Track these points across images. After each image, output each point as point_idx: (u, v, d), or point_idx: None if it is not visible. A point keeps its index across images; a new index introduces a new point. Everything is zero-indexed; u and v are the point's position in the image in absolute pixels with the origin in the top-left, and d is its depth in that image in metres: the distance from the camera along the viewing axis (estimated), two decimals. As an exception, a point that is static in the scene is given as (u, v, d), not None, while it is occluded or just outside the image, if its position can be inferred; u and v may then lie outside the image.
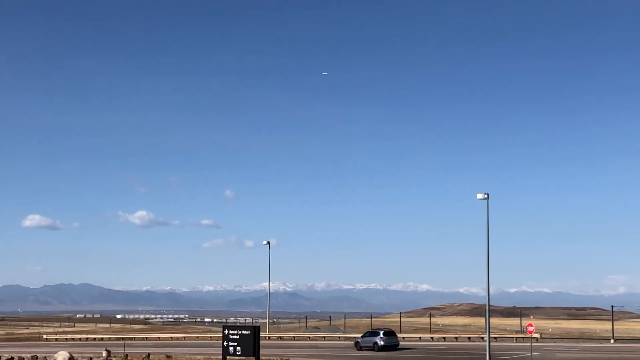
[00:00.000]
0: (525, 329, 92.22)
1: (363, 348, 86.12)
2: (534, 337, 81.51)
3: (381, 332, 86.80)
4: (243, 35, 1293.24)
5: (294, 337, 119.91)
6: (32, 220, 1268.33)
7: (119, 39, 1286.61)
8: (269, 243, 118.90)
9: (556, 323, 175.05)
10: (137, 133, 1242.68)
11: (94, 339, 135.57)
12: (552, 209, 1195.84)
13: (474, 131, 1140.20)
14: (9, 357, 74.13)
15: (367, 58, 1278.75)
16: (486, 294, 63.46)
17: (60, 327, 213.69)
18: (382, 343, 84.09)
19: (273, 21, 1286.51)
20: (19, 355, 75.81)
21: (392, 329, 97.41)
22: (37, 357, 74.18)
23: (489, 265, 61.55)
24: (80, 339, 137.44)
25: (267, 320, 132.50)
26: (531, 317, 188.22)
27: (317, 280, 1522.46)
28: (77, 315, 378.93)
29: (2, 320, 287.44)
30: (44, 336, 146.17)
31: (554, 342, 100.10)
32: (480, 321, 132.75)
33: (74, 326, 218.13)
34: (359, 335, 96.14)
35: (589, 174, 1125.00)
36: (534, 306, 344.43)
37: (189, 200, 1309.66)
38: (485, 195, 62.09)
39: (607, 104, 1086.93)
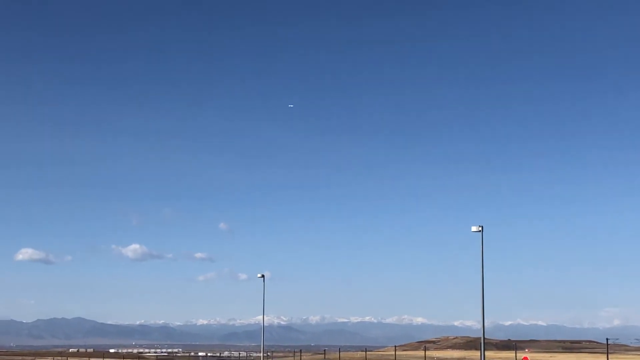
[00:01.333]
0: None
1: None
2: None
3: None
4: (236, 67, 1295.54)
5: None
6: (25, 254, 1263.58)
7: (113, 70, 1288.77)
8: (263, 276, 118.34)
9: (551, 356, 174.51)
10: (131, 165, 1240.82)
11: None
12: (547, 242, 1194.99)
13: (468, 164, 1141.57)
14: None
15: (357, 88, 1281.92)
16: (481, 327, 63.21)
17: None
18: None
19: (268, 55, 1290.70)
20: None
21: None
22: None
23: (483, 298, 61.38)
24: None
25: (262, 354, 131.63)
26: (527, 350, 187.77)
27: (312, 314, 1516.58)
28: (70, 350, 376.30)
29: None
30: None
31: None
32: (476, 354, 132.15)
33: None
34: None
35: (584, 208, 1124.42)
36: (529, 339, 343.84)
37: (182, 233, 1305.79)
38: (480, 228, 62.00)
39: (600, 139, 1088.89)
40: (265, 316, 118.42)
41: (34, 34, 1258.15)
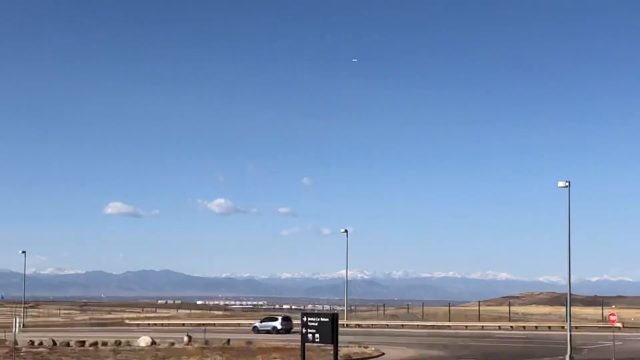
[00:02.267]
0: (607, 319, 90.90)
1: (261, 331, 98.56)
2: (616, 327, 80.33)
3: (280, 318, 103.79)
4: (323, 19, 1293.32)
5: (372, 324, 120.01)
6: (114, 207, 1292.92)
7: (196, 26, 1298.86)
8: (346, 231, 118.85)
9: (639, 312, 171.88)
10: (215, 121, 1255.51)
11: (175, 324, 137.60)
12: (635, 196, 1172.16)
13: (555, 117, 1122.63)
14: (93, 341, 75.75)
15: (437, 43, 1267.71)
16: (567, 282, 62.63)
17: (142, 312, 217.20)
18: (280, 327, 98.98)
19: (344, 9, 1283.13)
20: (103, 339, 77.42)
21: (288, 315, 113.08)
22: (120, 342, 75.69)
23: (570, 254, 60.71)
24: (162, 324, 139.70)
25: (345, 308, 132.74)
26: (613, 306, 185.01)
27: (395, 269, 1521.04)
28: (159, 301, 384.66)
29: (86, 305, 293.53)
30: (126, 321, 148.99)
31: (637, 332, 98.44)
32: (561, 310, 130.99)
33: (156, 312, 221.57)
34: (436, 323, 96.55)
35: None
36: (616, 295, 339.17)
37: (266, 189, 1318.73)
38: (567, 184, 61.13)
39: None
40: (348, 270, 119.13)
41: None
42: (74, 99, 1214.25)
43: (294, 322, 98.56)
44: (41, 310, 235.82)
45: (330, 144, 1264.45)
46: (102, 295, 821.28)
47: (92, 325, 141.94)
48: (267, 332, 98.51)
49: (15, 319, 69.53)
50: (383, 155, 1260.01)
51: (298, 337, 48.28)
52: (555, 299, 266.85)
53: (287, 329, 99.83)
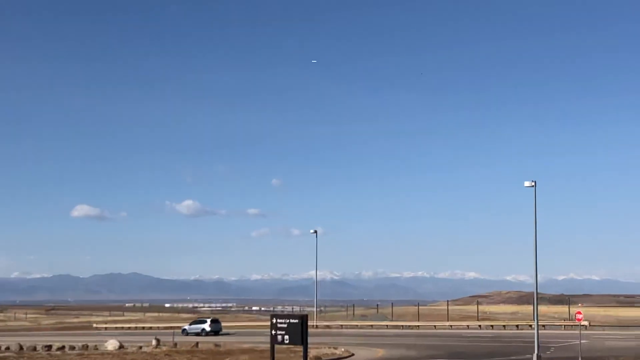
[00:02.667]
0: (573, 317, 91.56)
1: (190, 334, 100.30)
2: (582, 325, 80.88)
3: (208, 320, 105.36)
4: (290, 25, 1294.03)
5: (342, 325, 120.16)
6: (81, 210, 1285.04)
7: (168, 32, 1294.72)
8: (316, 232, 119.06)
9: (605, 311, 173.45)
10: (184, 122, 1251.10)
11: (143, 327, 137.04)
12: (601, 195, 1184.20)
13: (521, 117, 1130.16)
14: (60, 345, 75.23)
15: (408, 43, 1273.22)
16: (534, 281, 63.04)
17: (110, 316, 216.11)
18: (209, 329, 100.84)
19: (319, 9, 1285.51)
20: (70, 344, 76.91)
21: (218, 318, 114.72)
22: (87, 346, 75.21)
23: (536, 253, 61.09)
24: (129, 327, 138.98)
25: (315, 309, 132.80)
26: (580, 304, 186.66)
27: (364, 269, 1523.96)
28: (127, 305, 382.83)
29: (53, 309, 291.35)
30: (94, 325, 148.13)
31: (603, 330, 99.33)
32: (528, 309, 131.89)
33: (124, 315, 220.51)
34: (405, 323, 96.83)
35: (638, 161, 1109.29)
36: (582, 294, 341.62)
37: (235, 190, 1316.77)
38: (533, 183, 61.57)
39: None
40: (318, 271, 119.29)
41: None
42: (40, 99, 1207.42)
43: (264, 323, 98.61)
44: (8, 314, 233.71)
45: (299, 145, 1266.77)
46: (70, 299, 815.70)
47: (59, 329, 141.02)
48: (197, 334, 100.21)
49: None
50: (352, 155, 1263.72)
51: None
52: (523, 298, 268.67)
53: (215, 331, 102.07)
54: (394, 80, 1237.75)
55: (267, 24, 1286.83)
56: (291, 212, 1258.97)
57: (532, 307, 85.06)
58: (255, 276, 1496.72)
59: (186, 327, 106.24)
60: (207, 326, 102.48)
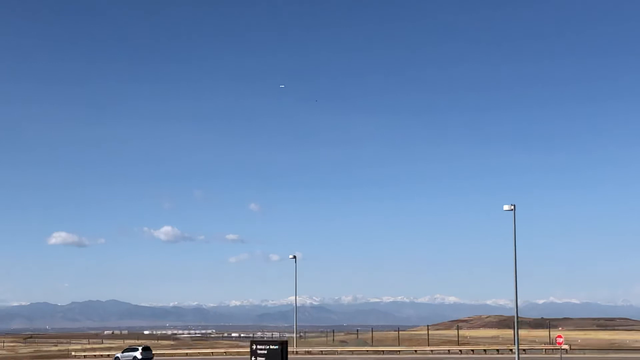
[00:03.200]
0: (554, 341, 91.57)
1: None
2: (563, 349, 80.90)
3: (140, 348, 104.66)
4: (264, 46, 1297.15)
5: (322, 351, 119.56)
6: (58, 237, 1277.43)
7: (144, 56, 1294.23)
8: (295, 257, 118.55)
9: (585, 334, 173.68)
10: (161, 148, 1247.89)
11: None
12: (579, 219, 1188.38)
13: (500, 141, 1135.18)
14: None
15: (386, 65, 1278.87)
16: (514, 305, 63.03)
17: (89, 343, 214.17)
18: (140, 357, 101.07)
19: (287, 37, 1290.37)
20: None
21: (149, 345, 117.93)
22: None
23: (516, 277, 61.22)
24: (108, 355, 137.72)
25: (295, 335, 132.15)
26: (560, 328, 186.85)
27: (344, 294, 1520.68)
28: (105, 332, 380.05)
29: (31, 337, 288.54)
30: (73, 353, 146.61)
31: (584, 354, 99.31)
32: (509, 333, 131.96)
33: (102, 343, 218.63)
34: (386, 348, 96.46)
35: (616, 183, 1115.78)
36: (562, 317, 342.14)
37: (213, 215, 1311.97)
38: (512, 207, 61.80)
39: (632, 112, 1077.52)
40: (297, 297, 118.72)
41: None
42: (14, 123, 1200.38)
43: (244, 350, 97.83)
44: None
45: (276, 170, 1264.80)
46: (48, 327, 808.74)
47: (37, 357, 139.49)
48: None
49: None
50: (330, 181, 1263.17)
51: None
52: (503, 322, 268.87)
53: (147, 358, 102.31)
54: (370, 104, 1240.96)
55: (240, 50, 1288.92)
56: (270, 237, 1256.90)
57: (512, 331, 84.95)
58: (234, 302, 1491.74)
59: (118, 354, 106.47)
60: (138, 354, 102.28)
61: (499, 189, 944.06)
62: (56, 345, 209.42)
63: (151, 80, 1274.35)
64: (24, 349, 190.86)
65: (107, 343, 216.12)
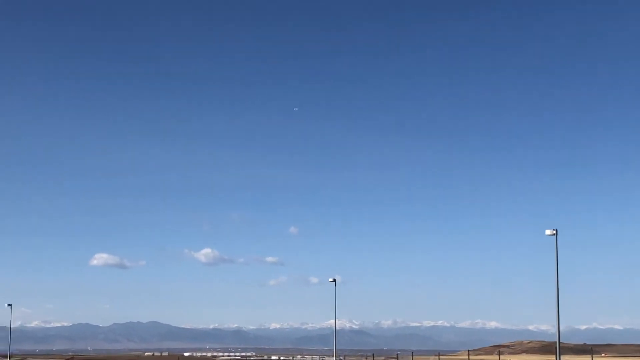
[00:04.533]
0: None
1: None
2: (606, 375, 79.83)
3: None
4: (306, 71, 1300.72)
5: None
6: (100, 259, 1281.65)
7: (183, 78, 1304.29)
8: (334, 280, 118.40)
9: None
10: (202, 170, 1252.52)
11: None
12: (624, 243, 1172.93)
13: (543, 165, 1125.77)
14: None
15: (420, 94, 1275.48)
16: (556, 331, 62.42)
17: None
18: None
19: (330, 64, 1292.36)
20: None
21: None
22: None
23: (558, 302, 60.62)
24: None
25: (334, 358, 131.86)
26: (603, 354, 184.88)
27: (384, 318, 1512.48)
28: (146, 354, 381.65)
29: (72, 358, 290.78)
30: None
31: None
32: (551, 359, 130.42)
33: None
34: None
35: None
36: (605, 343, 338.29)
37: (253, 238, 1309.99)
38: (554, 232, 61.36)
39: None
40: (337, 320, 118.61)
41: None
42: (59, 149, 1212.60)
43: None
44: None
45: (317, 193, 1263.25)
46: (89, 348, 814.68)
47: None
48: None
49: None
50: (369, 204, 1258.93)
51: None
52: (545, 348, 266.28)
53: None
54: (407, 126, 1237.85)
55: (279, 70, 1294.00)
56: (309, 260, 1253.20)
57: (554, 357, 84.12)
58: (274, 325, 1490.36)
59: None
60: None
61: (540, 212, 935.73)
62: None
63: (189, 101, 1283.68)
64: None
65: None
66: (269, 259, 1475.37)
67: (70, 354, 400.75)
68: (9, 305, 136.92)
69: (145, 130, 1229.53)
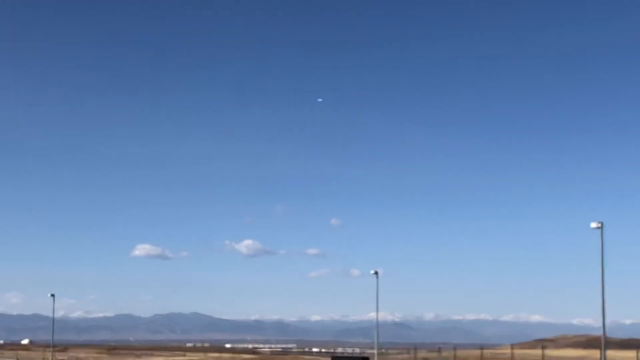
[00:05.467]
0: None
1: None
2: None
3: None
4: (346, 63, 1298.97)
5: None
6: (142, 249, 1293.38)
7: (225, 70, 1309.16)
8: (376, 273, 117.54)
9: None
10: (243, 162, 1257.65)
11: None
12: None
13: (588, 157, 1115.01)
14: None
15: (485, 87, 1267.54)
16: (601, 325, 61.25)
17: (171, 356, 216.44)
18: None
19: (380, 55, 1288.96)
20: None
21: None
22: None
23: (604, 296, 59.53)
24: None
25: (376, 351, 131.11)
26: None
27: (426, 311, 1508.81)
28: (187, 344, 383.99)
29: (115, 349, 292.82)
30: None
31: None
32: (595, 354, 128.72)
33: (185, 355, 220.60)
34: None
35: None
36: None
37: (294, 230, 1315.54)
38: (600, 224, 60.28)
39: None
40: (378, 313, 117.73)
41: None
42: (102, 142, 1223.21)
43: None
44: (70, 354, 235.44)
45: (358, 185, 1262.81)
46: (131, 339, 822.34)
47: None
48: None
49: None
50: (412, 196, 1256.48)
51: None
52: (590, 342, 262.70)
53: None
54: (452, 118, 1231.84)
55: (320, 62, 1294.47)
56: (351, 252, 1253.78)
57: (599, 352, 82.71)
58: (315, 317, 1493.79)
59: None
60: None
61: (587, 204, 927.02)
62: (139, 357, 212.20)
63: (227, 99, 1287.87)
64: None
65: (189, 355, 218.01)
66: (310, 250, 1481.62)
67: (112, 344, 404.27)
68: (52, 295, 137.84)
69: (188, 123, 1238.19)
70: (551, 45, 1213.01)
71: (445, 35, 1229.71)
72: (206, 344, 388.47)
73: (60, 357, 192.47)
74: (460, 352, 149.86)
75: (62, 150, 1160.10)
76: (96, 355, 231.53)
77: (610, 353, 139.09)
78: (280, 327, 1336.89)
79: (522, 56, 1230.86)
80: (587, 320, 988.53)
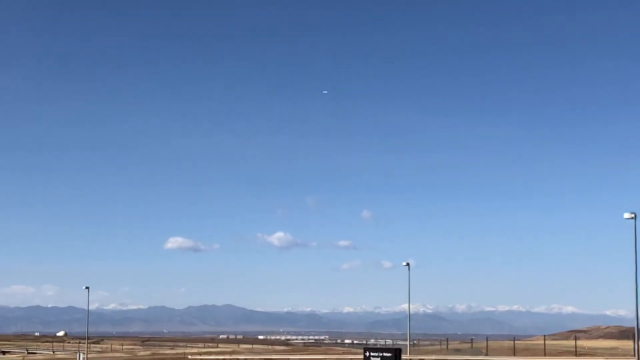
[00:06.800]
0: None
1: None
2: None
3: None
4: (374, 55, 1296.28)
5: (435, 359, 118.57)
6: (175, 242, 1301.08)
7: (258, 67, 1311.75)
8: (408, 264, 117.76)
9: None
10: (275, 156, 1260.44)
11: (238, 359, 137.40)
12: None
13: (622, 147, 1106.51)
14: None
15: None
16: (634, 316, 61.22)
17: (204, 347, 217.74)
18: None
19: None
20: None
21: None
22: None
23: (637, 287, 59.49)
24: (224, 359, 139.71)
25: (408, 342, 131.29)
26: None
27: (458, 302, 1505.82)
28: (221, 336, 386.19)
29: (149, 340, 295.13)
30: (189, 357, 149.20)
31: None
32: (629, 344, 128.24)
33: (218, 347, 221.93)
34: (501, 358, 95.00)
35: None
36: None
37: (325, 222, 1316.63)
38: (633, 215, 60.25)
39: None
40: (410, 304, 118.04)
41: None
42: (135, 138, 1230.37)
43: (357, 357, 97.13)
44: (104, 345, 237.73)
45: (389, 177, 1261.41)
46: (165, 330, 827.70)
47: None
48: None
49: (79, 354, 70.07)
50: (443, 187, 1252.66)
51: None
52: (624, 333, 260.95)
53: None
54: (481, 108, 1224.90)
55: (350, 58, 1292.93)
56: (382, 244, 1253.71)
57: (632, 343, 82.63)
58: (347, 309, 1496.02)
59: None
60: None
61: (618, 196, 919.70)
62: (173, 349, 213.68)
63: (259, 92, 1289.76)
64: (142, 352, 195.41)
65: (222, 347, 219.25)
66: (342, 242, 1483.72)
67: (146, 336, 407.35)
68: (87, 288, 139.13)
69: (221, 118, 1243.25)
70: (600, 32, 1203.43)
71: (478, 22, 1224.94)
72: (239, 336, 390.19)
73: (94, 349, 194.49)
74: (492, 343, 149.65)
75: (95, 147, 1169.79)
76: (131, 347, 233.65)
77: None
78: (312, 318, 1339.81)
79: (558, 44, 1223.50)
80: (621, 311, 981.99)
